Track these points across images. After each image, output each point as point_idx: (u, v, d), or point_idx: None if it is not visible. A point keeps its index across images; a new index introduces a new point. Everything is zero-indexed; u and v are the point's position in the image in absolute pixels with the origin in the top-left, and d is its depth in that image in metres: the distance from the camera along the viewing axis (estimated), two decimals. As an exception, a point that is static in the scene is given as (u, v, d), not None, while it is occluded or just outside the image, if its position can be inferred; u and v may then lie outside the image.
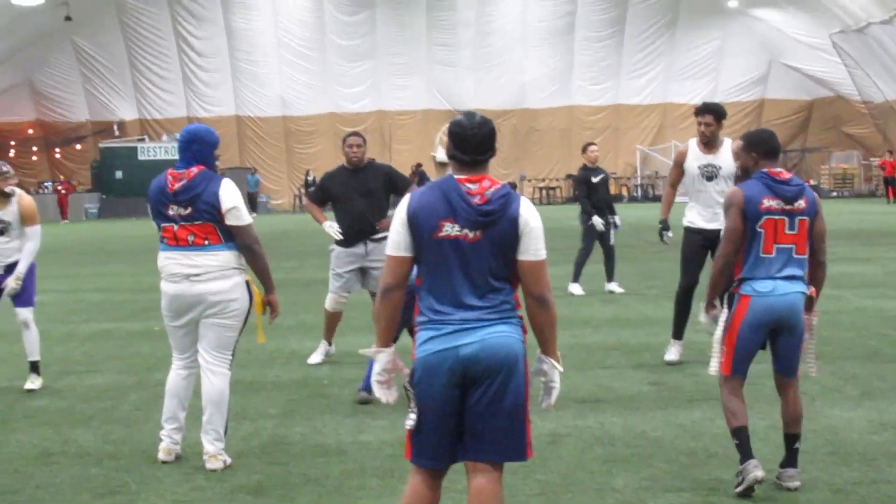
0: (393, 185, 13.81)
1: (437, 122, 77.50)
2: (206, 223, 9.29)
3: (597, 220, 21.10)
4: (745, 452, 8.25)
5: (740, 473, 8.17)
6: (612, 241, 21.26)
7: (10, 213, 12.84)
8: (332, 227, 13.83)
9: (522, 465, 8.91)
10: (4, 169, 12.75)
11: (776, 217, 8.40)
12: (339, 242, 13.77)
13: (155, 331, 17.72)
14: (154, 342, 16.52)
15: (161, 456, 9.50)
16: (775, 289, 8.40)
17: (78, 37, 77.24)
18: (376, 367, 6.30)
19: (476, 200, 6.00)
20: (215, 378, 9.44)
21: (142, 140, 76.05)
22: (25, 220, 12.90)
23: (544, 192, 77.69)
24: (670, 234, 14.12)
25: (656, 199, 75.16)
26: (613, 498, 8.22)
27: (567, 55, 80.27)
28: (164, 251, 9.41)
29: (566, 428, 10.38)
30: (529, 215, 6.07)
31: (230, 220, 9.29)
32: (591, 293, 21.00)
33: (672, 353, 13.60)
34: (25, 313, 13.01)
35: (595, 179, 21.07)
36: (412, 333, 6.49)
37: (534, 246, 6.07)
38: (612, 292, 20.99)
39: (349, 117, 78.56)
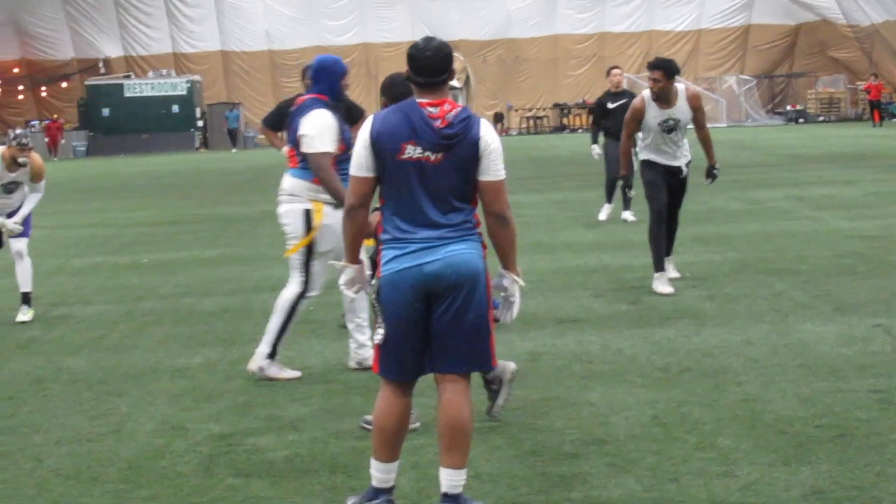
0: (350, 115, 13.96)
1: (422, 53, 77.27)
2: (294, 148, 9.80)
3: (593, 149, 21.13)
4: None
5: None
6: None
7: (22, 173, 13.16)
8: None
9: (500, 381, 9.19)
10: (24, 140, 13.01)
11: None
12: None
13: (143, 263, 17.99)
14: (142, 274, 16.79)
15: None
16: None
17: (60, -27, 76.85)
18: (342, 279, 6.67)
19: (438, 124, 6.21)
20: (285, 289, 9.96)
21: (128, 77, 75.81)
22: (35, 178, 13.35)
23: (531, 121, 77.60)
24: (633, 192, 14.18)
25: (643, 126, 75.14)
26: (588, 411, 8.47)
27: (551, -18, 79.91)
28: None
29: (545, 347, 10.63)
30: (489, 137, 6.30)
31: (302, 147, 9.66)
32: (574, 219, 21.22)
33: (663, 284, 13.24)
34: (19, 244, 13.28)
35: (612, 105, 20.41)
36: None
37: (494, 166, 6.31)
38: (625, 221, 20.28)
39: (334, 50, 78.02)
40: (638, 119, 13.34)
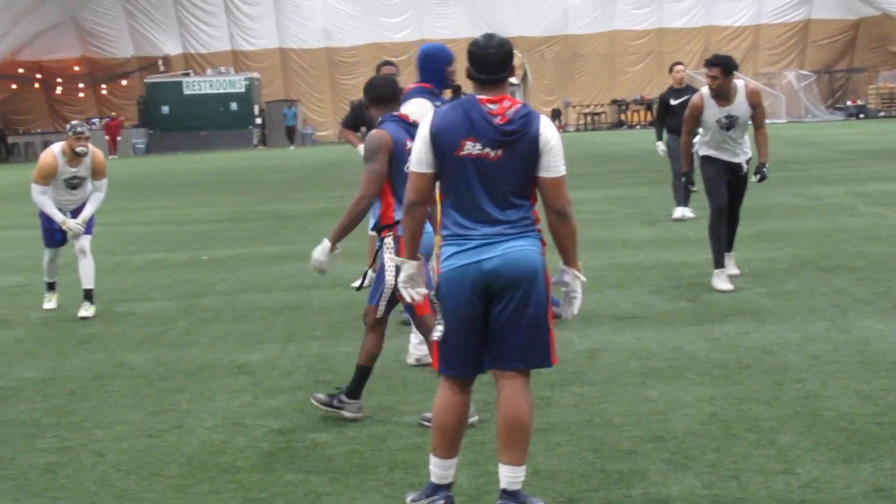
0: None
1: (479, 50, 77.17)
2: None
3: (658, 146, 20.90)
4: None
5: None
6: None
7: (84, 168, 13.32)
8: None
9: (559, 378, 9.22)
10: (80, 129, 13.19)
11: None
12: None
13: (203, 260, 18.10)
14: (201, 271, 16.89)
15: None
16: None
17: (121, -28, 77.38)
18: (401, 276, 6.59)
19: (498, 121, 6.20)
20: None
21: (187, 74, 76.22)
22: (96, 174, 13.50)
23: (589, 118, 77.40)
24: (695, 188, 14.08)
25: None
26: (647, 407, 8.45)
27: (609, -21, 79.67)
28: None
29: (603, 343, 10.61)
30: (549, 133, 6.28)
31: None
32: (632, 215, 21.15)
33: (722, 281, 13.17)
34: (83, 241, 13.44)
35: (675, 102, 20.27)
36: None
37: (554, 163, 6.29)
38: (682, 217, 20.04)
39: (392, 47, 78.30)
40: (696, 116, 13.28)
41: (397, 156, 8.30)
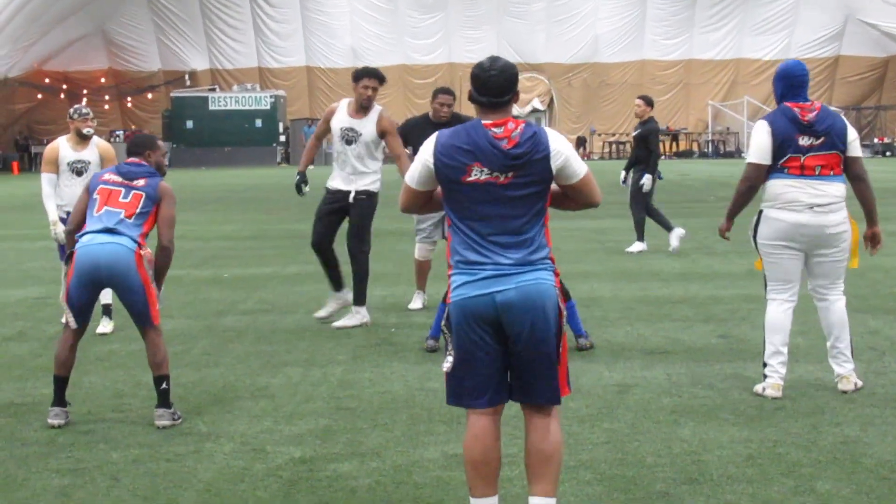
0: None
1: (507, 75, 77.16)
2: (835, 153, 9.61)
3: (622, 175, 20.92)
4: None
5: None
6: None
7: (89, 152, 13.10)
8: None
9: (589, 413, 9.02)
10: (85, 111, 13.13)
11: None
12: None
13: (224, 278, 17.90)
14: (223, 289, 16.69)
15: (771, 392, 9.65)
16: None
17: (151, -14, 77.61)
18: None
19: (505, 144, 6.06)
20: (839, 303, 9.85)
21: (213, 90, 76.40)
22: (106, 162, 13.10)
23: (614, 146, 77.29)
24: (307, 188, 13.99)
25: (727, 154, 74.77)
26: (679, 447, 8.20)
27: (640, 8, 79.59)
28: (785, 179, 9.61)
29: (634, 378, 10.37)
30: (559, 145, 6.16)
31: (851, 151, 9.72)
32: (661, 247, 20.90)
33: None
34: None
35: (633, 134, 20.46)
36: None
37: (576, 166, 6.20)
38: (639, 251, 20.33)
39: (420, 69, 78.50)
40: (327, 120, 13.41)
41: None
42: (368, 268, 13.35)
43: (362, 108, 13.04)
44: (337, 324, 13.13)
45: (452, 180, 6.11)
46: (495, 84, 6.17)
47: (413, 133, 13.72)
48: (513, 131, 6.10)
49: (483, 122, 6.16)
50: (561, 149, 6.14)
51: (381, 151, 13.28)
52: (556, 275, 6.25)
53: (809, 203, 9.52)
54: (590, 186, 6.27)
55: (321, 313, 13.64)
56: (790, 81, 9.81)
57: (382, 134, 13.08)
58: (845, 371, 9.76)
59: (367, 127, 13.05)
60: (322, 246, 13.48)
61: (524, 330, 6.07)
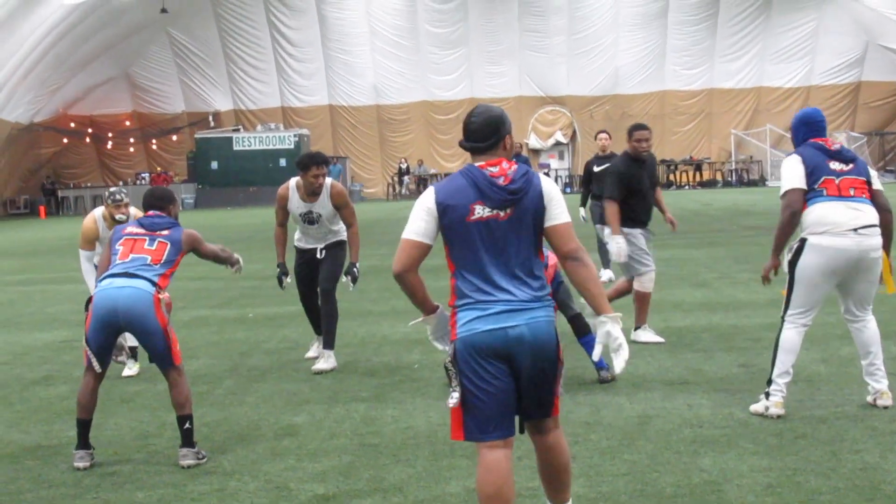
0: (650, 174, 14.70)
1: (529, 109, 77.34)
2: (864, 180, 9.94)
3: (580, 211, 21.41)
4: None
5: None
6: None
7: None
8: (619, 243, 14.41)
9: (609, 445, 9.05)
10: (118, 196, 13.00)
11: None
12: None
13: (249, 318, 18.00)
14: (248, 329, 16.78)
15: (775, 411, 9.93)
16: None
17: (174, 29, 77.83)
18: (429, 333, 6.76)
19: (502, 182, 6.34)
20: (872, 323, 10.25)
21: (236, 130, 76.61)
22: None
23: (638, 177, 77.03)
24: (288, 279, 14.22)
25: (751, 183, 74.58)
26: (700, 478, 8.25)
27: (660, 39, 79.53)
28: (825, 202, 9.83)
29: (654, 409, 10.42)
30: (549, 187, 6.50)
31: (874, 184, 10.03)
32: (682, 277, 20.94)
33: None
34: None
35: (598, 168, 20.28)
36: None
37: (558, 210, 6.45)
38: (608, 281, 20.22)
39: (442, 105, 78.63)
40: (283, 206, 14.01)
41: None
42: (337, 309, 13.79)
43: (314, 193, 13.41)
44: (315, 367, 13.23)
45: (458, 221, 6.32)
46: (476, 130, 6.53)
47: (630, 174, 14.62)
48: (507, 170, 6.39)
49: (477, 164, 6.45)
50: (550, 189, 6.47)
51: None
52: (555, 309, 6.56)
53: (853, 226, 9.69)
54: (570, 234, 6.46)
55: (311, 353, 14.07)
56: (812, 127, 10.19)
57: (338, 207, 13.55)
58: (883, 387, 10.09)
59: (325, 207, 13.54)
60: (311, 303, 14.18)
61: (532, 363, 6.31)
